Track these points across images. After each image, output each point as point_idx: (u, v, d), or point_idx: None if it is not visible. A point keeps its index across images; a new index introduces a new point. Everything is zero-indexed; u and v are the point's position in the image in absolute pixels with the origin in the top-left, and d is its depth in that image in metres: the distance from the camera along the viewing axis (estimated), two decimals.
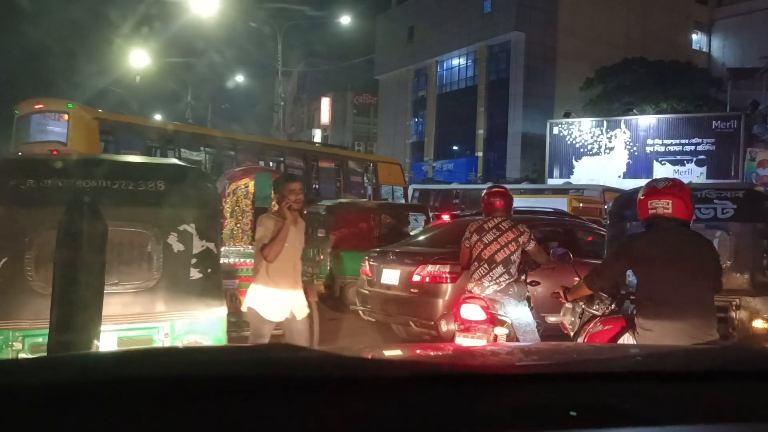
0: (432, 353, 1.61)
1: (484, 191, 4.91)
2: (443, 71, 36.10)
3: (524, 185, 22.18)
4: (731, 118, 23.11)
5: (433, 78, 36.20)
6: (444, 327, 5.60)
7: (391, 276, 6.39)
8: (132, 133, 10.35)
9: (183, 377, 0.92)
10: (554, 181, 24.75)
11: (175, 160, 4.29)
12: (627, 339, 3.21)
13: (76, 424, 0.82)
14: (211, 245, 3.31)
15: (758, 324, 4.24)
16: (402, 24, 37.79)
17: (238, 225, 6.03)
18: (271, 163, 12.84)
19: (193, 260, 3.23)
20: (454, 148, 34.58)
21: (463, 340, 4.44)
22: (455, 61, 35.14)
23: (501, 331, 4.46)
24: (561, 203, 13.47)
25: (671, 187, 3.14)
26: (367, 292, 6.74)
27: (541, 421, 0.92)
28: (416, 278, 6.02)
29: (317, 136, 43.51)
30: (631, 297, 3.42)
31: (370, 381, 0.98)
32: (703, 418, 0.99)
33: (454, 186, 24.06)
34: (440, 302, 5.81)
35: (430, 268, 6.00)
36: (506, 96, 31.16)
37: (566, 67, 29.27)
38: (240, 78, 34.98)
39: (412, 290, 6.07)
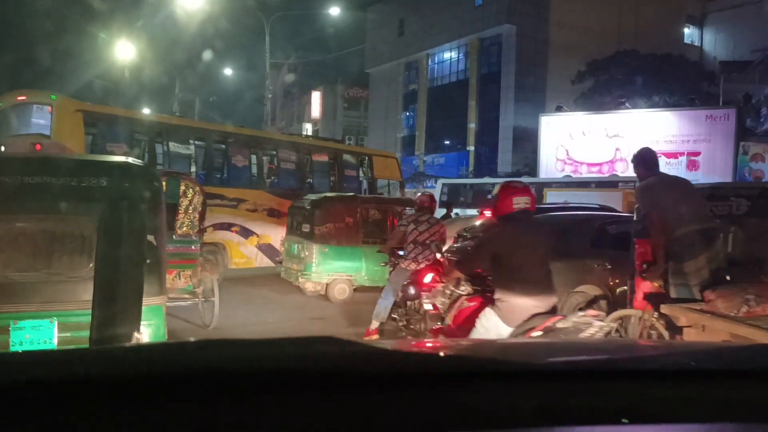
0: (475, 347, 1.61)
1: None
2: (434, 64, 35.90)
3: (565, 178, 21.90)
4: (724, 112, 23.06)
5: (424, 71, 35.99)
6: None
7: None
8: (118, 125, 10.04)
9: (232, 370, 0.92)
10: (545, 176, 24.62)
11: (121, 158, 4.45)
12: (488, 312, 3.83)
13: (127, 418, 0.83)
14: (151, 237, 3.45)
15: None
16: (393, 17, 37.52)
17: None
18: (264, 157, 12.59)
19: None
20: (446, 142, 34.43)
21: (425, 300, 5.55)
22: (446, 55, 34.94)
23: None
24: (613, 198, 12.81)
25: (527, 187, 3.96)
26: None
27: (564, 416, 0.94)
28: None
29: (308, 129, 43.23)
30: (489, 278, 4.07)
31: (415, 376, 0.99)
32: (718, 416, 0.99)
33: (486, 180, 23.67)
34: None
35: None
36: (498, 89, 31.00)
37: (558, 61, 29.15)
38: (229, 71, 34.67)
39: None
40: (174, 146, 10.73)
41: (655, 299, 4.48)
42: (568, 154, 25.80)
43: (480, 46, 32.31)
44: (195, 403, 0.87)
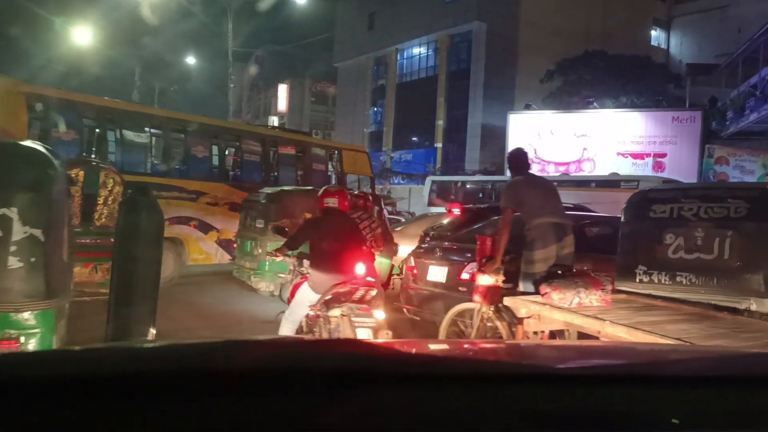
0: (486, 350, 1.59)
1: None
2: (403, 60, 35.55)
3: (564, 176, 21.65)
4: (690, 114, 23.24)
5: (393, 67, 35.63)
6: None
7: None
8: (65, 109, 9.32)
9: (258, 370, 0.93)
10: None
11: (5, 140, 3.96)
12: (305, 284, 4.91)
13: (140, 416, 0.82)
14: (37, 232, 3.04)
15: None
16: (362, 10, 37.06)
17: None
18: (226, 148, 12.00)
19: (12, 248, 2.98)
20: (413, 138, 34.13)
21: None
22: (416, 50, 34.62)
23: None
24: (613, 198, 12.27)
25: (336, 191, 5.21)
26: None
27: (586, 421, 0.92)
28: None
29: (274, 122, 42.50)
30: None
31: (419, 377, 0.97)
32: (723, 423, 0.97)
33: (477, 178, 23.32)
34: None
35: None
36: (467, 87, 30.81)
37: (527, 59, 29.08)
38: (192, 60, 33.68)
39: None
40: (128, 134, 10.08)
41: (494, 292, 4.88)
42: (536, 153, 25.74)
43: (450, 43, 32.08)
44: (209, 402, 0.86)
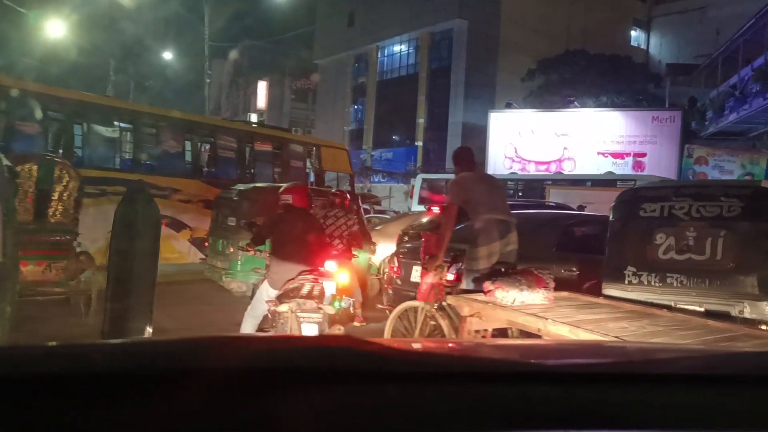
0: (489, 349, 1.57)
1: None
2: (384, 57, 35.26)
3: (558, 175, 21.50)
4: (670, 114, 23.30)
5: (374, 64, 35.32)
6: None
7: None
8: (29, 101, 8.91)
9: (260, 367, 0.92)
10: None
11: None
12: (265, 281, 5.15)
13: (133, 414, 0.82)
14: None
15: (764, 328, 3.83)
16: (343, 7, 36.69)
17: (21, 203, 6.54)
18: (200, 144, 11.64)
19: None
20: (394, 136, 33.88)
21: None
22: (396, 48, 34.36)
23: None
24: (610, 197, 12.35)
25: (293, 188, 5.44)
26: None
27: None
28: None
29: (253, 120, 41.96)
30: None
31: (424, 375, 0.97)
32: (734, 422, 0.97)
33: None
34: None
35: None
36: (447, 85, 30.63)
37: (509, 58, 28.99)
38: (169, 56, 33.09)
39: None
40: (96, 128, 9.69)
41: (438, 290, 4.91)
42: (516, 151, 25.69)
43: (431, 41, 31.88)
44: (212, 398, 0.84)
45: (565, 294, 4.41)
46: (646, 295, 4.01)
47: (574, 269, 5.50)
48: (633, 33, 34.27)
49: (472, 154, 5.49)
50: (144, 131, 10.55)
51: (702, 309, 3.92)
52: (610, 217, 4.44)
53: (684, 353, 1.56)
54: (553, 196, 15.85)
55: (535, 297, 4.03)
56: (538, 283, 4.09)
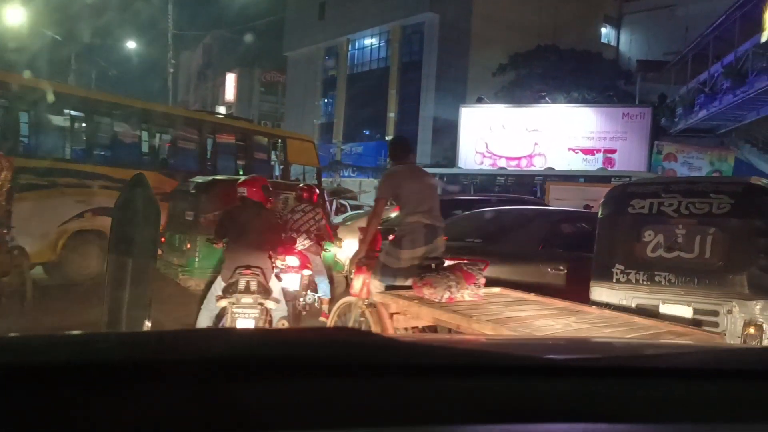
0: (497, 343, 1.55)
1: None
2: (355, 51, 34.82)
3: (550, 170, 21.34)
4: (640, 111, 23.35)
5: (344, 57, 34.87)
6: None
7: None
8: None
9: (263, 356, 0.92)
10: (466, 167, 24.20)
11: None
12: (219, 276, 5.12)
13: (124, 404, 0.82)
14: None
15: (752, 329, 3.70)
16: None
17: None
18: (159, 134, 11.05)
19: None
20: (364, 131, 33.49)
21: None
22: (367, 41, 33.96)
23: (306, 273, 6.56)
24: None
25: (248, 180, 5.42)
26: None
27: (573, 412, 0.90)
28: None
29: (221, 112, 41.16)
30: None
31: (427, 368, 0.97)
32: (736, 416, 0.97)
33: (456, 171, 22.76)
34: None
35: None
36: (418, 79, 30.35)
37: (480, 52, 28.79)
38: (133, 45, 32.15)
39: None
40: (43, 116, 9.08)
41: (368, 286, 4.77)
42: (487, 146, 25.53)
43: (402, 34, 31.55)
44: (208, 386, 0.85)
45: (496, 290, 4.41)
46: (634, 294, 3.77)
47: (561, 267, 5.20)
48: (603, 30, 34.42)
49: (408, 145, 5.41)
50: (96, 119, 9.93)
51: (690, 308, 3.68)
52: (599, 213, 4.18)
53: (690, 348, 1.55)
54: (554, 192, 15.69)
55: (464, 293, 3.98)
56: (467, 279, 4.04)
